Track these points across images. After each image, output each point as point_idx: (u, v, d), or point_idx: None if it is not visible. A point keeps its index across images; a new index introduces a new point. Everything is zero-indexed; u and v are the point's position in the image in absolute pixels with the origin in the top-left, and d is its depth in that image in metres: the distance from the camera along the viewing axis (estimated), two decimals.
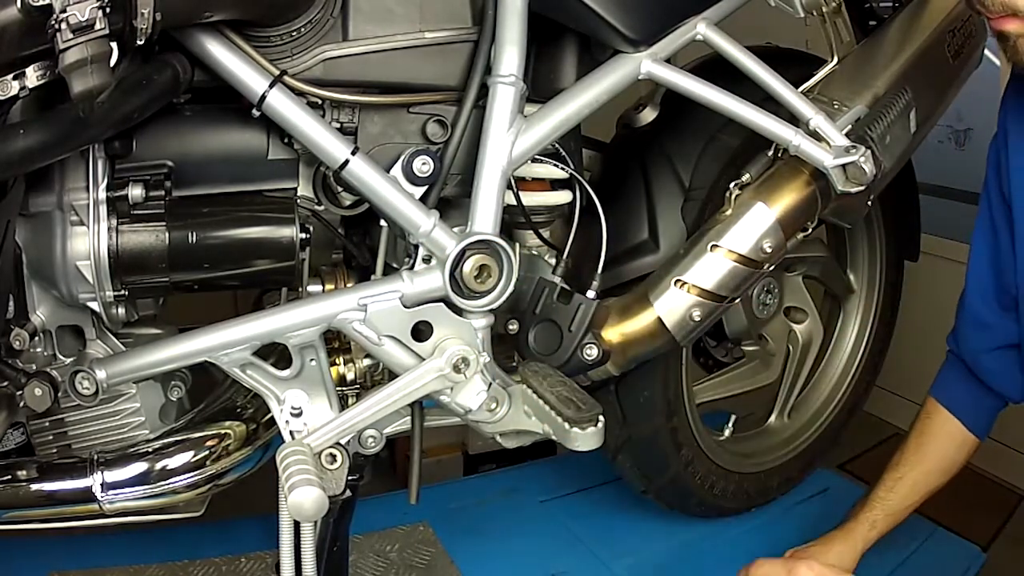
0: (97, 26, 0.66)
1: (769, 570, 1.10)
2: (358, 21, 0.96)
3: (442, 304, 0.97)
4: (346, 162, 0.94)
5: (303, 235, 0.99)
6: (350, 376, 1.09)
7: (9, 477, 0.97)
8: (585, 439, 0.96)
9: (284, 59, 0.94)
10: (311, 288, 1.08)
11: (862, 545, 1.23)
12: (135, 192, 0.92)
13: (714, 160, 1.27)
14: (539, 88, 1.07)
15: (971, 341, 1.21)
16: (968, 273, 1.21)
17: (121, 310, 0.98)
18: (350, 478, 1.02)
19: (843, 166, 1.08)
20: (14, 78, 0.72)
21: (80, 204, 0.91)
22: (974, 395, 1.23)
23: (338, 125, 0.98)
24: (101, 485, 0.98)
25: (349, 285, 1.09)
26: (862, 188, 1.09)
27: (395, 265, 1.06)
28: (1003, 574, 1.55)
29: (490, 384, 1.01)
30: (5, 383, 0.91)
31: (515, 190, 1.06)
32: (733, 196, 1.18)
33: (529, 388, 1.01)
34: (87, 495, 0.98)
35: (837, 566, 1.12)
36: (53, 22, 0.65)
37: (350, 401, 1.07)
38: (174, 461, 1.02)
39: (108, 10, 0.67)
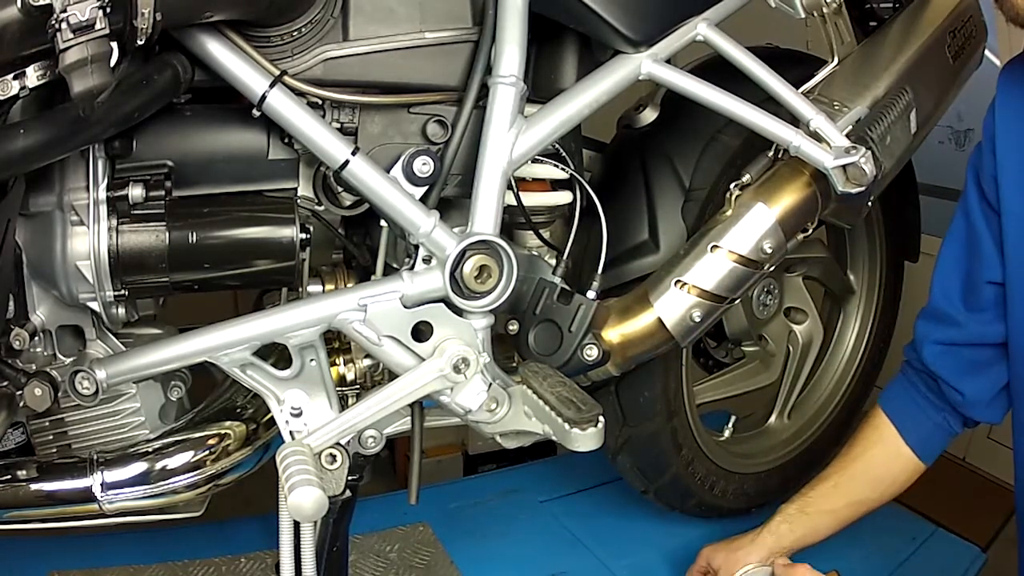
0: (97, 26, 0.66)
1: None
2: (359, 21, 0.95)
3: (442, 304, 0.97)
4: (346, 162, 0.94)
5: (303, 235, 0.99)
6: (350, 376, 1.09)
7: (9, 477, 0.97)
8: (585, 439, 0.96)
9: (284, 59, 0.94)
10: (311, 288, 1.08)
11: (771, 539, 1.21)
12: (135, 192, 0.92)
13: (714, 161, 1.26)
14: (539, 88, 1.07)
15: (932, 333, 1.16)
16: (934, 278, 1.17)
17: (121, 310, 0.98)
18: (350, 478, 1.02)
19: (843, 167, 1.08)
20: (14, 78, 0.72)
21: (80, 204, 0.91)
22: (919, 405, 1.20)
23: (338, 125, 0.98)
24: (101, 485, 0.98)
25: (349, 285, 1.09)
26: (862, 189, 1.09)
27: (395, 265, 1.06)
28: (1003, 574, 1.55)
29: (490, 384, 1.01)
30: (5, 383, 0.91)
31: (515, 190, 1.06)
32: (733, 197, 1.18)
33: (529, 388, 1.01)
34: (87, 495, 0.98)
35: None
36: (53, 22, 0.65)
37: (350, 401, 1.07)
38: (174, 461, 1.02)
39: (108, 10, 0.67)
